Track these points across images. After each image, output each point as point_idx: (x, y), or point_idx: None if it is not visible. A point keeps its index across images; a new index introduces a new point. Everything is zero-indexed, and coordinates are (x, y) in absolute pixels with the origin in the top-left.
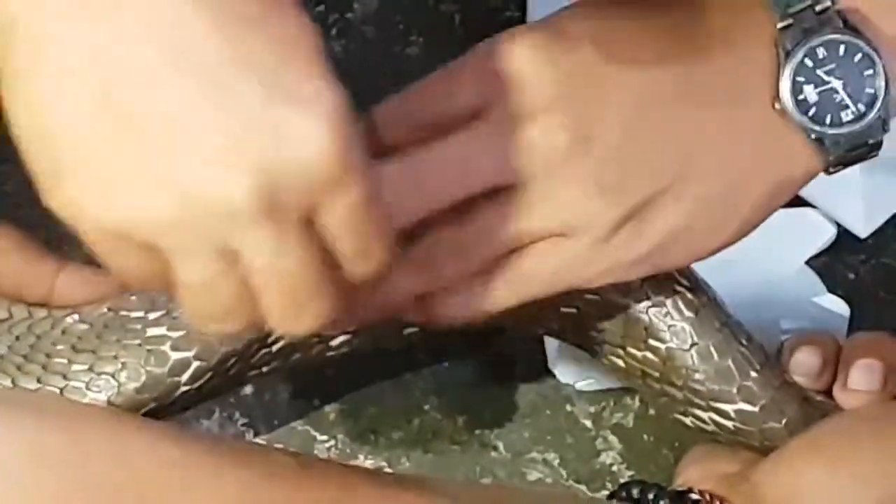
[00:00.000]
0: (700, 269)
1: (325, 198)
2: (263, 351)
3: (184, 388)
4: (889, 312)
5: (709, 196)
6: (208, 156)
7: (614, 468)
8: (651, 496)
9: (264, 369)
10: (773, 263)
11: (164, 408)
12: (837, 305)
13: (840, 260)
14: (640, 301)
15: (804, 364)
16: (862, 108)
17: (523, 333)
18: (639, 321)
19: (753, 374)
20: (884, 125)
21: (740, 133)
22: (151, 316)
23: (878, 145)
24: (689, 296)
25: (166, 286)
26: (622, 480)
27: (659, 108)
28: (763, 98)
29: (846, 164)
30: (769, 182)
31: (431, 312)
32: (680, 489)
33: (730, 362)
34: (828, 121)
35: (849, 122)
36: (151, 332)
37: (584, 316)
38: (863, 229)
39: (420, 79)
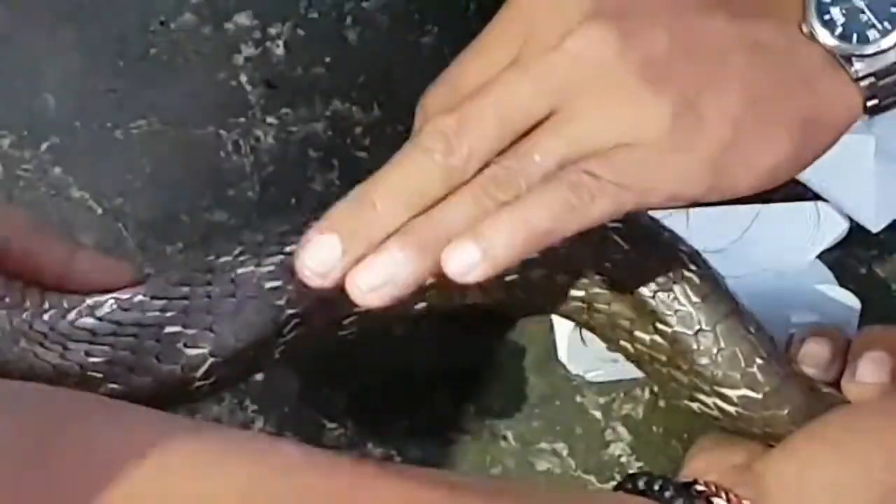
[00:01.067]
0: (712, 260)
1: None
2: (279, 340)
3: (198, 384)
4: None
5: (746, 106)
6: None
7: (623, 459)
8: (657, 487)
9: (276, 355)
10: (784, 257)
11: (178, 400)
12: (848, 299)
13: (852, 254)
14: (648, 285)
15: (814, 355)
16: (888, 26)
17: (535, 314)
18: (647, 305)
19: (759, 361)
20: None
21: (768, 51)
22: (167, 314)
23: None
24: (698, 281)
25: None
26: (630, 472)
27: (693, 14)
28: (790, 18)
29: (882, 101)
30: (801, 108)
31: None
32: (685, 480)
33: (736, 349)
34: (854, 40)
35: (875, 41)
36: (167, 329)
37: (593, 299)
38: (875, 224)
39: (434, 68)
